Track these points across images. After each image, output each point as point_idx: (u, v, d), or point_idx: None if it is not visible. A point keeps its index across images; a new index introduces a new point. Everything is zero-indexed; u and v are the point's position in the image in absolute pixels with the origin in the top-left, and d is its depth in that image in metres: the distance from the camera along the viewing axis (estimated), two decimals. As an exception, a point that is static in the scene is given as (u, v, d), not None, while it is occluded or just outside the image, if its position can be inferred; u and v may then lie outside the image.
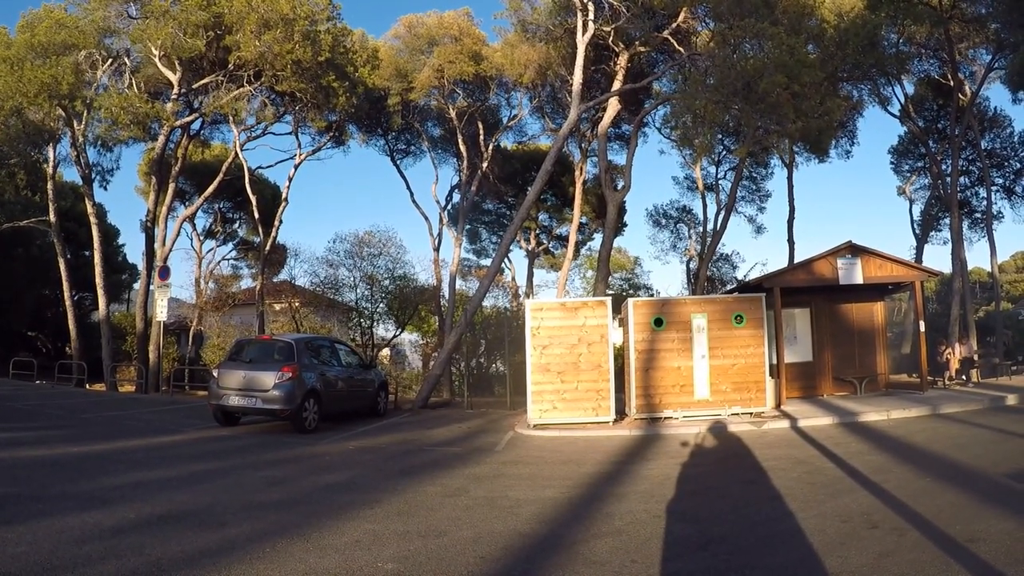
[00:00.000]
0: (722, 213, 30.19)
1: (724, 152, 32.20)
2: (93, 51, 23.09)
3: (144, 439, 12.20)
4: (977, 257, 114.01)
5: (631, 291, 39.68)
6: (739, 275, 36.24)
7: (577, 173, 30.21)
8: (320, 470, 9.47)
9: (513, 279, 38.83)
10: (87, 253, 31.49)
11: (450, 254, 31.70)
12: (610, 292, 27.32)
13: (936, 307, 35.62)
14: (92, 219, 25.86)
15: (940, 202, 32.07)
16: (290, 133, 29.52)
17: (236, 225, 38.51)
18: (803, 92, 18.65)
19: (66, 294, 27.41)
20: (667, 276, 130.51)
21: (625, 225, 36.95)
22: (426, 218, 32.87)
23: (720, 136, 28.17)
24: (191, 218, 32.69)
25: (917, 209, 36.04)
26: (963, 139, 29.24)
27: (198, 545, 5.60)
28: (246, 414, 14.02)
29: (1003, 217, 33.08)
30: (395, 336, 30.32)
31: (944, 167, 30.22)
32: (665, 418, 14.18)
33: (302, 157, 29.81)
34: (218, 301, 30.97)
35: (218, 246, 38.18)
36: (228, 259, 39.60)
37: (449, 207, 33.79)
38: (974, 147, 30.91)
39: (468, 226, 35.53)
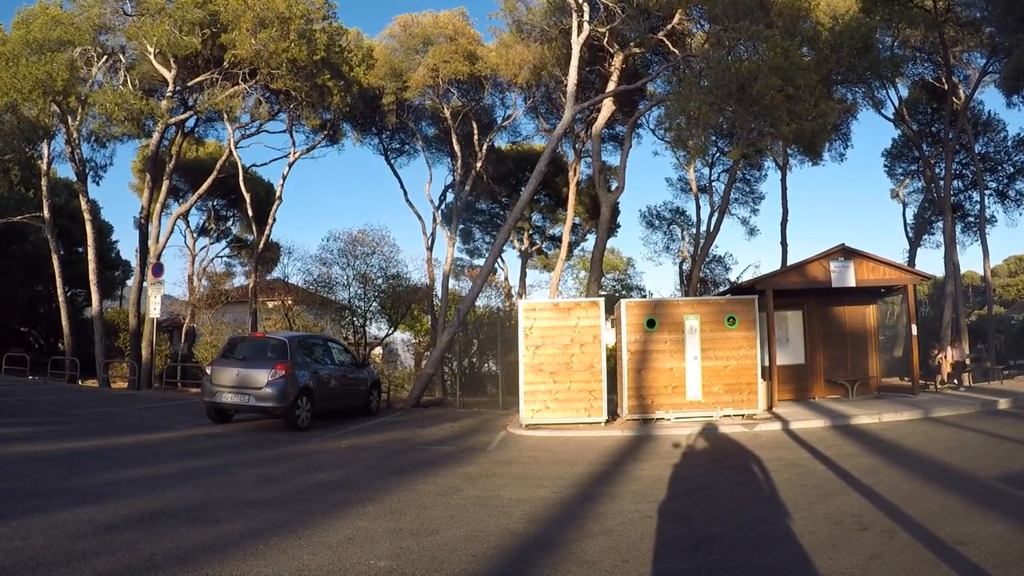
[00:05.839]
0: (715, 215, 30.33)
1: (718, 154, 32.25)
2: (88, 48, 23.00)
3: (137, 436, 12.19)
4: (970, 261, 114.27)
5: (624, 292, 39.75)
6: (732, 277, 36.38)
7: (571, 174, 30.26)
8: (313, 468, 9.48)
9: (506, 279, 38.92)
10: (80, 249, 31.38)
11: (443, 253, 31.79)
12: (603, 293, 27.34)
13: (928, 311, 35.79)
14: (86, 215, 25.81)
15: (933, 205, 32.18)
16: (284, 131, 29.45)
17: (229, 223, 38.44)
18: (797, 95, 18.70)
19: (59, 290, 27.33)
20: (660, 277, 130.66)
21: (618, 226, 37.02)
22: (420, 217, 33.04)
23: (714, 138, 28.25)
24: (185, 215, 32.63)
25: (910, 212, 36.26)
26: (957, 143, 29.34)
27: (191, 541, 5.61)
28: (239, 411, 14.01)
29: (996, 221, 33.29)
30: (388, 335, 30.28)
31: (938, 170, 30.33)
32: (657, 419, 14.20)
33: (296, 155, 29.76)
34: (211, 298, 30.84)
35: (211, 243, 38.13)
36: (221, 256, 39.59)
37: (443, 207, 33.90)
38: (968, 151, 31.02)
39: (462, 226, 35.58)
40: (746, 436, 12.38)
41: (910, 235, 35.10)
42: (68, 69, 21.70)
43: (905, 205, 36.43)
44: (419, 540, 5.82)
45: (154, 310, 22.31)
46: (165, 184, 26.36)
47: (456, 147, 29.94)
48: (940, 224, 31.13)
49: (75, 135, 24.85)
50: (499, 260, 35.41)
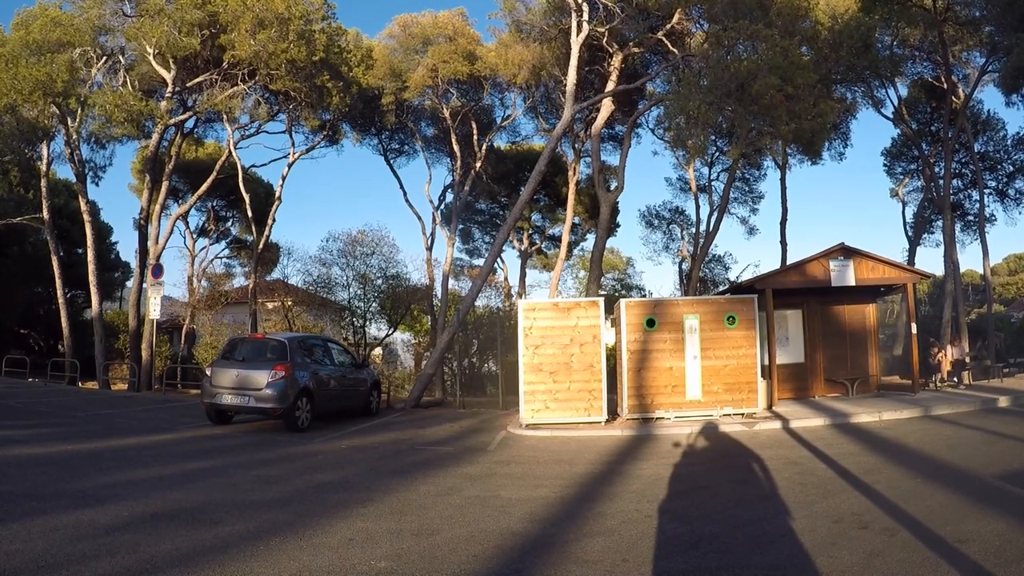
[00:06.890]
0: (715, 214, 30.30)
1: (717, 153, 32.26)
2: (88, 49, 23.02)
3: (137, 437, 12.18)
4: (969, 260, 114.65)
5: (623, 292, 39.82)
6: (731, 276, 36.38)
7: (570, 173, 30.28)
8: (313, 469, 9.47)
9: (506, 279, 38.94)
10: (80, 251, 31.42)
11: (443, 253, 31.87)
12: (602, 292, 27.33)
13: (928, 309, 35.77)
14: (85, 216, 25.82)
15: (933, 204, 32.16)
16: (284, 132, 29.48)
17: (229, 223, 38.42)
18: (796, 94, 18.69)
19: (59, 292, 27.35)
20: (659, 277, 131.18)
21: (618, 226, 37.01)
22: (419, 218, 33.09)
23: (713, 137, 28.23)
24: (184, 216, 32.64)
25: (910, 211, 36.22)
26: (956, 142, 29.29)
27: (192, 543, 5.61)
28: (239, 413, 14.00)
29: (996, 220, 33.32)
30: (387, 335, 30.31)
31: (937, 169, 30.31)
32: (657, 418, 14.20)
33: (296, 156, 29.77)
34: (211, 299, 30.87)
35: (211, 244, 38.08)
36: (221, 257, 39.56)
37: (442, 207, 33.91)
38: (967, 150, 30.98)
39: (461, 226, 35.59)
40: (746, 435, 12.38)
41: (910, 234, 35.07)
42: (67, 70, 21.71)
43: (905, 204, 36.45)
44: (419, 540, 5.82)
45: (154, 311, 22.32)
46: (164, 185, 26.36)
47: (455, 147, 29.95)
48: (940, 223, 31.10)
49: (74, 136, 24.85)
50: (499, 260, 35.46)
